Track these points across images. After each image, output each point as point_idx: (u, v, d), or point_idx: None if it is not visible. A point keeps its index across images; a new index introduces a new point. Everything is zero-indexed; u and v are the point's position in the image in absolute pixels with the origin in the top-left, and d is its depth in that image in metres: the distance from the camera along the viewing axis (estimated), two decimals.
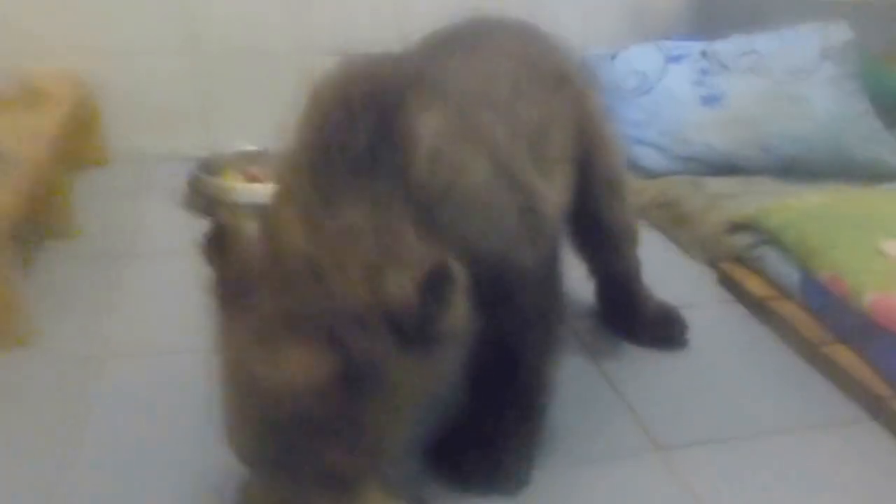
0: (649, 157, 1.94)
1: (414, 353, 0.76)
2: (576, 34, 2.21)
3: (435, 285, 0.75)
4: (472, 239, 0.87)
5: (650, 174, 1.93)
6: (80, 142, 2.03)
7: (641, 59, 2.04)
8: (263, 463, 0.77)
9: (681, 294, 1.52)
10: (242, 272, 0.79)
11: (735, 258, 1.57)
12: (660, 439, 1.14)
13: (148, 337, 1.35)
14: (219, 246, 0.80)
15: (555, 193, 1.08)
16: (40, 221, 1.65)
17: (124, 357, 1.29)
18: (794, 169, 1.90)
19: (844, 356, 1.26)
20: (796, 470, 1.08)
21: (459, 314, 0.79)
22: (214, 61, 2.16)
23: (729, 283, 1.54)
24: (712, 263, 1.62)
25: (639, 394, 1.24)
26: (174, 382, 1.20)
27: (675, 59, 2.02)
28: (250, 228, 0.84)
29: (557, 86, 1.14)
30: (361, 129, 0.83)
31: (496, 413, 1.05)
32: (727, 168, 1.91)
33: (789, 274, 1.42)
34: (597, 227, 1.26)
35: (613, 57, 2.08)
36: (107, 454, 1.07)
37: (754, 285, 1.48)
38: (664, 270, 1.63)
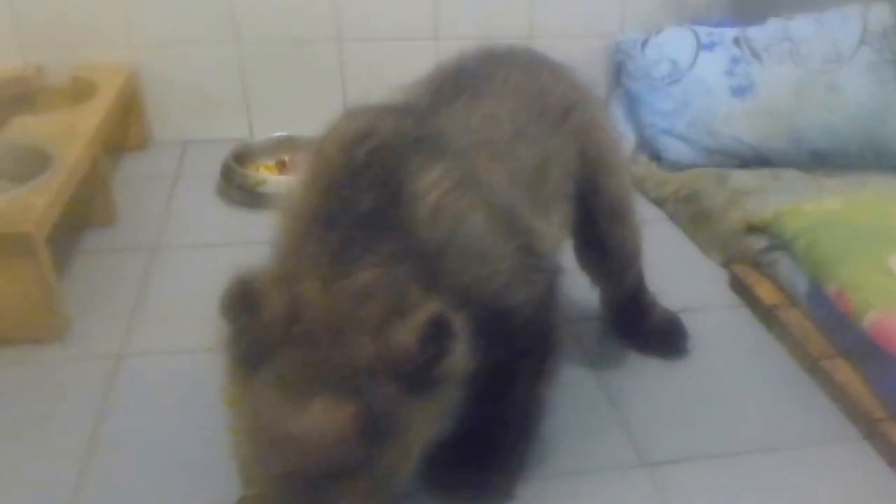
0: (676, 149, 1.93)
1: (419, 397, 0.85)
2: (611, 16, 2.23)
3: (432, 335, 0.83)
4: (472, 284, 0.95)
5: (675, 166, 1.93)
6: (123, 128, 2.15)
7: (673, 45, 2.01)
8: (295, 499, 0.84)
9: (691, 296, 1.56)
10: (264, 331, 0.85)
11: (749, 261, 1.58)
12: (648, 455, 1.19)
13: (177, 333, 1.44)
14: (240, 304, 0.86)
15: (553, 229, 1.13)
16: (79, 214, 1.76)
17: (154, 354, 1.40)
18: (825, 161, 1.87)
19: (843, 372, 1.28)
20: (782, 489, 1.13)
21: (459, 358, 0.88)
22: (255, 50, 2.23)
23: (740, 288, 1.56)
24: (727, 265, 1.63)
25: (633, 406, 1.29)
26: (203, 380, 1.27)
27: (708, 46, 1.98)
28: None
29: (562, 117, 1.19)
30: (366, 192, 0.91)
31: (487, 431, 1.11)
32: (755, 161, 1.89)
33: (798, 282, 1.43)
34: (602, 251, 1.29)
35: (645, 43, 2.05)
36: (128, 449, 1.18)
37: (764, 291, 1.49)
38: (677, 269, 1.67)
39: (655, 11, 2.25)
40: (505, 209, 1.01)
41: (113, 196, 1.85)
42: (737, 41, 1.98)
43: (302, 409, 0.81)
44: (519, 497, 1.10)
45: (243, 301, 0.86)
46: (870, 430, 1.20)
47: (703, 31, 2.02)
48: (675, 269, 1.65)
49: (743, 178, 1.80)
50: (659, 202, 1.91)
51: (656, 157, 1.98)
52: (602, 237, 1.27)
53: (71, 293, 1.54)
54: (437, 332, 0.84)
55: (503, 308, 1.00)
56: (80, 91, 2.03)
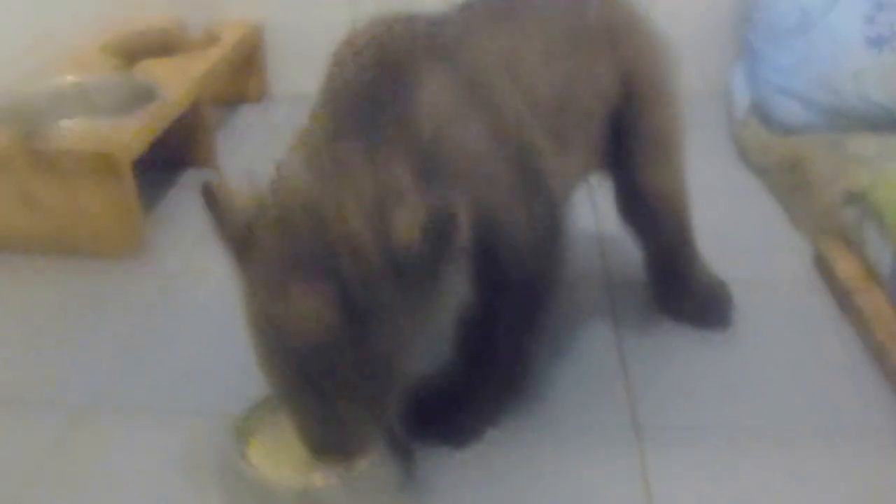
0: (789, 109, 1.77)
1: (412, 285, 0.85)
2: None
3: (439, 227, 0.82)
4: (468, 186, 0.94)
5: (787, 129, 1.77)
6: (243, 80, 2.35)
7: None
8: (291, 388, 0.89)
9: (766, 271, 1.45)
10: (246, 220, 0.87)
11: (839, 235, 1.42)
12: (642, 419, 1.14)
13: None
14: (212, 200, 0.88)
15: (569, 163, 1.11)
16: (179, 153, 1.97)
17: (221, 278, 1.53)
18: None
19: None
20: (775, 471, 1.04)
21: (458, 252, 0.88)
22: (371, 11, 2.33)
23: (822, 265, 1.42)
24: (816, 241, 1.48)
25: (646, 372, 1.24)
26: None
27: None
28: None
29: (604, 43, 1.16)
30: (369, 76, 0.93)
31: (467, 374, 1.13)
32: (884, 123, 1.68)
33: (883, 257, 1.28)
34: (635, 186, 1.24)
35: None
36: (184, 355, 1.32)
37: (845, 269, 1.36)
38: (761, 242, 1.56)
39: None
40: (512, 127, 1.00)
41: (213, 140, 2.03)
42: None
43: (282, 294, 0.83)
44: (500, 441, 1.11)
45: (209, 200, 0.88)
46: None
47: None
48: (758, 242, 1.55)
49: (862, 144, 1.61)
50: (760, 171, 1.78)
51: (767, 118, 1.82)
52: (637, 167, 1.21)
53: (156, 220, 1.74)
54: (442, 224, 0.83)
55: (499, 223, 0.99)
56: (209, 42, 2.25)
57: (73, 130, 1.63)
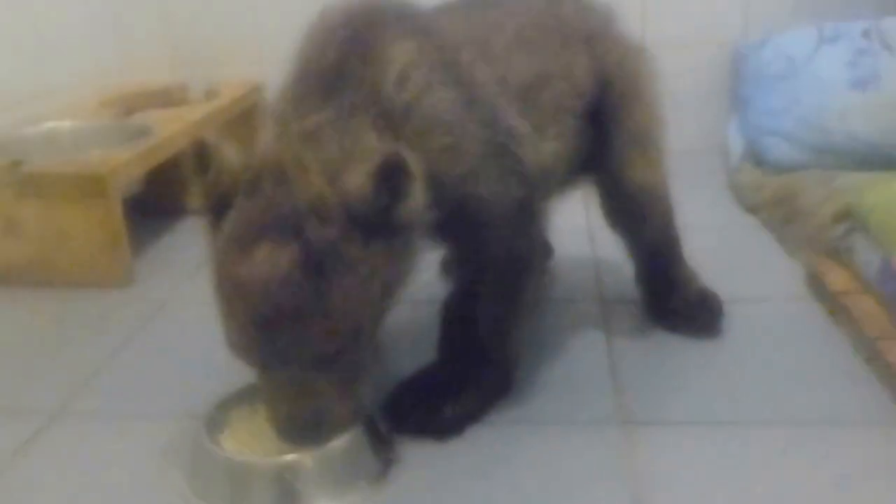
0: (779, 149, 1.84)
1: (374, 241, 0.88)
2: (732, 23, 2.19)
3: (388, 174, 0.85)
4: (437, 155, 0.98)
5: (777, 167, 1.83)
6: (239, 137, 2.41)
7: (792, 42, 1.94)
8: (256, 355, 0.90)
9: (758, 287, 1.48)
10: (225, 184, 0.91)
11: (828, 250, 1.44)
12: (629, 414, 1.13)
13: None
14: (202, 162, 0.93)
15: (546, 143, 1.14)
16: (167, 195, 2.04)
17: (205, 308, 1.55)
18: None
19: None
20: (764, 462, 1.01)
21: (417, 204, 0.90)
22: None
23: (813, 281, 1.43)
24: (808, 262, 1.50)
25: (633, 369, 1.23)
26: None
27: (831, 39, 1.88)
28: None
29: (581, 42, 1.21)
30: (337, 49, 0.97)
31: (450, 361, 1.14)
32: (871, 160, 1.74)
33: (871, 260, 1.29)
34: (617, 184, 1.26)
35: (761, 45, 1.99)
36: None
37: (835, 279, 1.37)
38: (756, 268, 1.59)
39: (781, 15, 2.16)
40: (481, 100, 1.04)
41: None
42: (866, 33, 1.87)
43: (248, 255, 0.86)
44: (485, 434, 1.09)
45: (200, 159, 0.92)
46: None
47: (829, 25, 1.92)
48: (752, 268, 1.57)
49: (849, 179, 1.65)
50: (754, 209, 1.82)
51: (759, 160, 1.88)
52: (619, 167, 1.24)
53: (145, 259, 1.77)
54: (393, 174, 0.86)
55: (473, 196, 1.01)
56: (209, 100, 2.35)
57: (62, 158, 1.70)
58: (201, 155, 0.92)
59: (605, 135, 1.23)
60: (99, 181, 1.59)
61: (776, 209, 1.71)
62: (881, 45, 1.82)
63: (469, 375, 1.12)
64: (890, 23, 1.86)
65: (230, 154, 0.93)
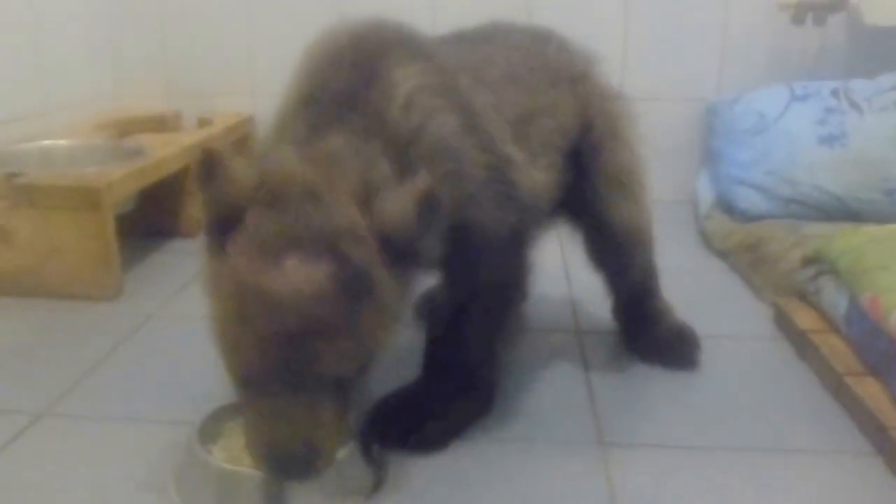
0: (748, 199, 1.89)
1: (398, 268, 0.88)
2: (708, 80, 2.27)
3: (427, 209, 0.86)
4: (442, 179, 0.97)
5: (746, 216, 1.88)
6: None
7: (764, 99, 2.02)
8: (267, 373, 0.83)
9: (728, 325, 1.50)
10: (233, 195, 0.87)
11: (796, 292, 1.48)
12: (607, 436, 1.14)
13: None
14: (209, 173, 0.88)
15: (537, 172, 1.15)
16: (157, 216, 2.05)
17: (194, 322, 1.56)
18: None
19: (867, 388, 1.17)
20: (736, 485, 1.03)
21: (439, 234, 0.91)
22: None
23: (781, 320, 1.47)
24: (775, 302, 1.54)
25: (609, 395, 1.25)
26: None
27: (801, 98, 1.96)
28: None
29: (566, 83, 1.24)
30: (346, 73, 0.98)
31: (434, 377, 1.15)
32: (838, 212, 1.80)
33: (839, 303, 1.33)
34: (601, 225, 1.28)
35: (734, 101, 2.07)
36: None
37: (802, 319, 1.41)
38: (723, 306, 1.62)
39: (755, 74, 2.25)
40: (481, 128, 1.05)
41: (197, 212, 2.09)
42: (835, 92, 1.95)
43: (277, 266, 0.81)
44: (469, 454, 1.09)
45: (208, 168, 0.88)
46: (884, 439, 1.06)
47: (800, 85, 2.00)
48: (721, 308, 1.61)
49: (816, 228, 1.71)
50: (723, 254, 1.87)
51: (729, 209, 1.94)
52: (602, 207, 1.25)
53: (136, 275, 1.78)
54: (430, 208, 0.86)
55: (471, 220, 1.02)
56: (202, 128, 2.38)
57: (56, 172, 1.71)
58: (208, 163, 0.88)
59: (586, 175, 1.24)
60: (94, 195, 1.59)
61: (744, 254, 1.76)
62: (849, 105, 1.90)
63: (453, 393, 1.13)
64: (858, 83, 1.95)
65: (239, 165, 0.90)
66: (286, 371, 0.83)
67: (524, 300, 1.17)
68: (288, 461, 0.87)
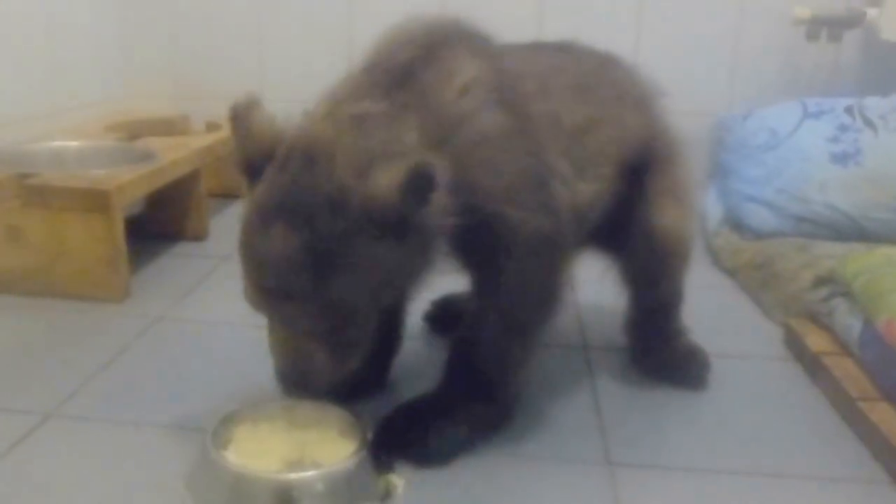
0: (758, 217, 1.86)
1: (387, 238, 0.89)
2: (719, 94, 2.25)
3: (415, 183, 0.86)
4: (477, 168, 0.99)
5: (757, 235, 1.85)
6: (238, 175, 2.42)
7: (777, 115, 1.98)
8: (264, 310, 0.96)
9: (737, 345, 1.48)
10: (262, 150, 0.96)
11: (808, 314, 1.46)
12: (615, 456, 1.12)
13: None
14: (240, 120, 0.98)
15: (584, 184, 1.14)
16: (173, 225, 2.04)
17: (202, 326, 1.53)
18: None
19: (882, 413, 1.14)
20: None
21: (438, 210, 0.91)
22: None
23: (792, 341, 1.45)
24: (785, 323, 1.52)
25: (617, 414, 1.23)
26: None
27: (815, 115, 1.93)
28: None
29: (629, 101, 1.25)
30: (409, 52, 1.00)
31: (451, 391, 1.12)
32: (849, 231, 1.77)
33: (853, 325, 1.30)
34: (647, 233, 1.25)
35: (746, 116, 2.04)
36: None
37: (814, 341, 1.38)
38: (731, 325, 1.60)
39: (767, 89, 2.23)
40: (531, 131, 1.05)
41: (206, 213, 2.09)
42: (849, 110, 1.91)
43: (265, 231, 0.90)
44: (475, 473, 1.07)
45: (240, 114, 0.98)
46: None
47: (813, 101, 1.98)
48: (730, 327, 1.58)
49: (827, 248, 1.68)
50: (731, 272, 1.84)
51: (738, 226, 1.91)
52: (651, 215, 1.24)
53: (143, 278, 1.76)
54: (420, 182, 0.86)
55: (499, 214, 1.01)
56: (210, 132, 2.36)
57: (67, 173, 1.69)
58: (239, 114, 0.98)
59: (638, 188, 1.24)
60: (103, 196, 1.58)
61: (754, 272, 1.74)
62: (863, 122, 1.87)
63: (468, 406, 1.11)
64: (873, 101, 1.92)
65: (261, 118, 0.98)
66: (275, 313, 0.95)
67: (556, 315, 1.13)
68: (286, 380, 0.99)
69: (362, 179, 0.88)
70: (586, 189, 1.14)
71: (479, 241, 1.00)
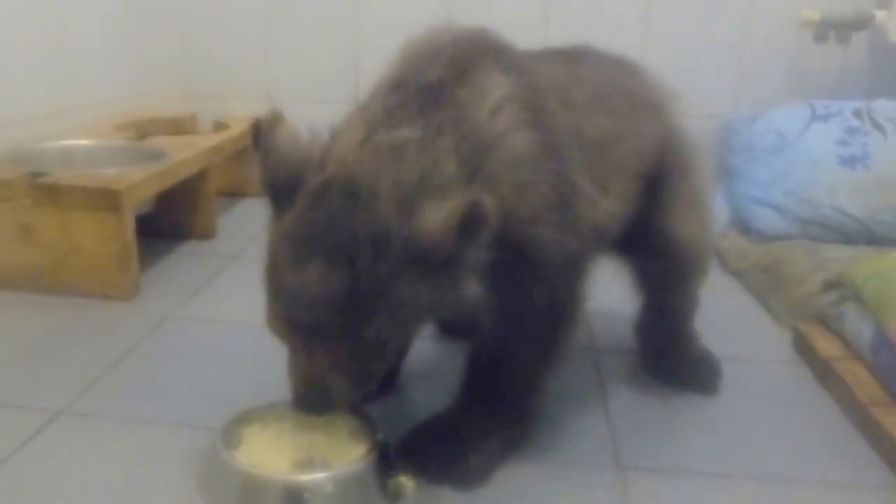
0: (766, 219, 1.85)
1: (428, 279, 0.85)
2: (725, 95, 2.24)
3: (470, 223, 0.82)
4: (508, 191, 0.95)
5: (764, 237, 1.84)
6: (246, 173, 2.42)
7: (784, 118, 1.97)
8: (286, 339, 0.92)
9: (746, 348, 1.47)
10: (288, 171, 0.90)
11: (817, 318, 1.45)
12: (625, 460, 1.11)
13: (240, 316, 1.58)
14: (268, 139, 0.91)
15: (607, 202, 1.11)
16: (182, 223, 2.03)
17: (211, 325, 1.53)
18: None
19: (893, 418, 1.13)
20: None
21: (484, 245, 0.86)
22: None
23: (801, 345, 1.43)
24: (794, 327, 1.50)
25: (626, 417, 1.22)
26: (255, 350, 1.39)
27: (823, 117, 1.92)
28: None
29: (645, 109, 1.22)
30: (440, 67, 0.95)
31: (474, 407, 1.09)
32: (857, 234, 1.76)
33: (864, 330, 1.29)
34: (665, 240, 1.23)
35: (754, 119, 2.03)
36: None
37: (825, 346, 1.37)
38: (739, 327, 1.58)
39: (774, 92, 2.22)
40: (559, 149, 1.02)
41: (215, 212, 2.08)
42: (857, 112, 1.90)
43: (300, 267, 0.85)
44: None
45: (257, 137, 0.92)
46: None
47: (821, 103, 1.96)
48: (738, 330, 1.57)
49: (835, 252, 1.67)
50: (738, 274, 1.83)
51: (745, 228, 1.90)
52: (670, 222, 1.22)
53: (152, 276, 1.75)
54: (474, 222, 0.82)
55: (532, 238, 0.98)
56: (218, 131, 2.36)
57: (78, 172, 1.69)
58: (265, 131, 0.92)
59: (656, 197, 1.22)
60: (114, 196, 1.57)
61: (761, 275, 1.73)
62: (872, 125, 1.86)
63: (493, 422, 1.08)
64: (881, 104, 1.91)
65: (286, 136, 0.92)
66: (296, 348, 0.91)
67: (576, 329, 1.11)
68: (302, 404, 0.94)
69: (406, 217, 0.84)
70: (609, 207, 1.11)
71: (507, 264, 0.94)
